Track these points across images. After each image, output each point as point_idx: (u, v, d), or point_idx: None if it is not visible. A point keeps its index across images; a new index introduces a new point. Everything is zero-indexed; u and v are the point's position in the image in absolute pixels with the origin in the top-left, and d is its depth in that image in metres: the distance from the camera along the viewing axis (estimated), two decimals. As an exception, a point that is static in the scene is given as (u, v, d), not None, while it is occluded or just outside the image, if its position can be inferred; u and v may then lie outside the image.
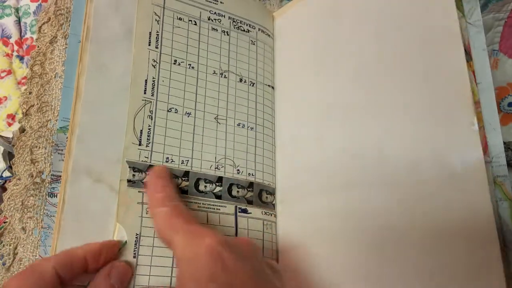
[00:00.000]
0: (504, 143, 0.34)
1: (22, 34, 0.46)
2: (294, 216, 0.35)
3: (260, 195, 0.35)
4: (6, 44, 0.45)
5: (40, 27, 0.36)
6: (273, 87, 0.40)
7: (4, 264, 0.31)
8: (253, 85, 0.38)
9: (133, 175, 0.31)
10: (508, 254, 0.29)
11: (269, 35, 0.41)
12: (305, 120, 0.37)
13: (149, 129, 0.32)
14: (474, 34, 0.33)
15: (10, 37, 0.45)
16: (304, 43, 0.39)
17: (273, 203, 0.36)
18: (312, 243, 0.33)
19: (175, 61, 0.35)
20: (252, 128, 0.37)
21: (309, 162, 0.36)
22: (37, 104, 0.33)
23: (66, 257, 0.26)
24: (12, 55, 0.45)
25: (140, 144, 0.32)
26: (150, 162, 0.32)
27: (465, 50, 0.33)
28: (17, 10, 0.46)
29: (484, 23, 0.37)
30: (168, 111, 0.34)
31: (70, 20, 0.34)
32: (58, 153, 0.32)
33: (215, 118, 0.36)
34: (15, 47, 0.45)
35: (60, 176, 0.31)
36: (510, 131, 0.35)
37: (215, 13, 0.38)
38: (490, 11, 0.38)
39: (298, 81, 0.39)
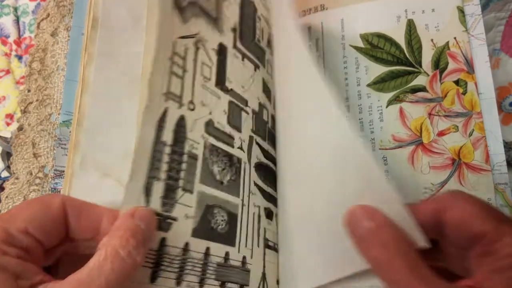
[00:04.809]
0: (506, 143, 0.34)
1: (21, 33, 0.45)
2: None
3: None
4: (4, 43, 0.45)
5: (39, 23, 0.35)
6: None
7: (2, 264, 0.30)
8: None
9: None
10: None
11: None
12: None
13: None
14: (477, 47, 0.33)
15: (9, 37, 0.45)
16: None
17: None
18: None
19: None
20: None
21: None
22: (39, 98, 0.32)
23: (79, 203, 0.23)
24: (10, 54, 0.45)
25: None
26: None
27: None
28: (15, 9, 0.46)
29: (486, 22, 0.37)
30: None
31: (72, 12, 0.33)
32: (61, 148, 0.31)
33: None
34: (14, 47, 0.45)
35: (63, 171, 0.30)
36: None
37: None
38: (491, 10, 0.38)
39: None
